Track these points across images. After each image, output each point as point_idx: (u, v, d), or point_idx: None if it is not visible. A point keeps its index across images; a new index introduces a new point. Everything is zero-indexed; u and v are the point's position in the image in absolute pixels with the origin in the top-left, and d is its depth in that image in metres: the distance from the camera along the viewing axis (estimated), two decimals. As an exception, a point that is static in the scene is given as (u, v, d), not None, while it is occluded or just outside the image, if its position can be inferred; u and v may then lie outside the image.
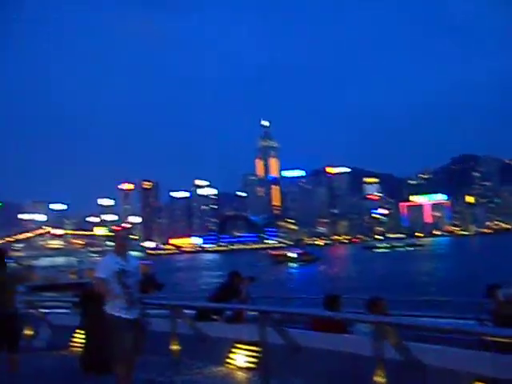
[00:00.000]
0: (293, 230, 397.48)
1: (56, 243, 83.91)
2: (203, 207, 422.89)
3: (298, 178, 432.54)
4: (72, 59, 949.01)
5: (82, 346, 9.50)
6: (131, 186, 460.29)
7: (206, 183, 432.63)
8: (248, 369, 8.73)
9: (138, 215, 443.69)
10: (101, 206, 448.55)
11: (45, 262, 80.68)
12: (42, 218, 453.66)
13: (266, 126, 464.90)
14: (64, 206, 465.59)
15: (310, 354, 7.77)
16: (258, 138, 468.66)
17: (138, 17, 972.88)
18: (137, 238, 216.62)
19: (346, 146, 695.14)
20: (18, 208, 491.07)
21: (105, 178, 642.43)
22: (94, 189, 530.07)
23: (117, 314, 6.98)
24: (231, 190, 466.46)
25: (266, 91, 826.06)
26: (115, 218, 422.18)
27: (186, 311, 10.24)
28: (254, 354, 8.38)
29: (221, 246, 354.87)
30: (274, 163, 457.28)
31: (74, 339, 11.32)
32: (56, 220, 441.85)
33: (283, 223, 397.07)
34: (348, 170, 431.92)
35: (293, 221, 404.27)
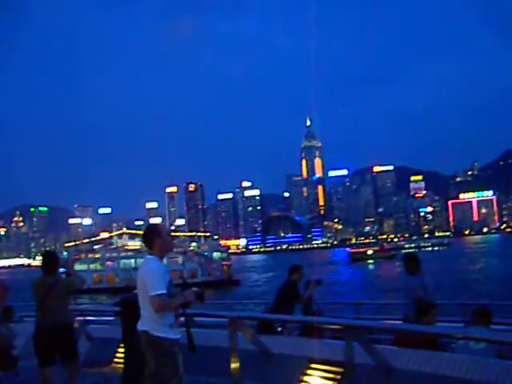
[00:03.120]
0: (339, 229, 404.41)
1: (135, 244, 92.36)
2: (249, 208, 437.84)
3: (342, 177, 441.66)
4: (116, 64, 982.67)
5: (123, 363, 7.92)
6: (176, 189, 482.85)
7: (251, 184, 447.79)
8: None
9: (183, 217, 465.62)
10: (147, 208, 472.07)
11: (124, 263, 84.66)
12: (90, 221, 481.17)
13: (309, 126, 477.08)
14: (109, 210, 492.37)
15: (402, 377, 6.45)
16: (303, 137, 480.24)
17: (184, 19, 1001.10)
18: (216, 237, 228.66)
19: (390, 145, 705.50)
20: (66, 212, 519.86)
21: (150, 181, 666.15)
22: (140, 192, 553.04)
23: (164, 336, 5.31)
24: (276, 191, 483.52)
25: (310, 91, 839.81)
26: (160, 220, 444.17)
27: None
28: (336, 376, 6.86)
29: (266, 246, 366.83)
30: (318, 163, 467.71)
31: (118, 354, 9.68)
32: (103, 224, 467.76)
33: (328, 223, 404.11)
34: (393, 168, 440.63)
35: (338, 220, 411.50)
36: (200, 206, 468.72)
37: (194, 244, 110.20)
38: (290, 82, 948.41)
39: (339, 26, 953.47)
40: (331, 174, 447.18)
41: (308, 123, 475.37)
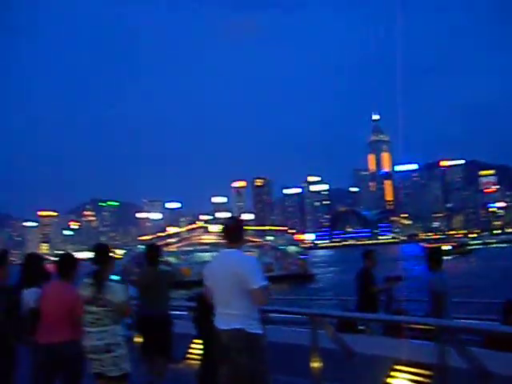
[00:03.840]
0: (406, 225, 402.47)
1: (210, 238, 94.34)
2: (316, 203, 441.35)
3: (410, 171, 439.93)
4: (179, 60, 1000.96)
5: (200, 360, 7.73)
6: (244, 184, 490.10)
7: (318, 179, 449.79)
8: None
9: (251, 212, 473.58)
10: (214, 203, 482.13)
11: (200, 257, 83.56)
12: (158, 216, 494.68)
13: (376, 120, 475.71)
14: (178, 205, 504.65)
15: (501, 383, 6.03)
16: (370, 132, 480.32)
17: (240, 16, 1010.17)
18: (293, 231, 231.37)
19: (460, 138, 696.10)
20: (135, 207, 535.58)
21: (218, 176, 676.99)
22: (208, 187, 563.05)
23: (260, 332, 5.27)
24: (343, 186, 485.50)
25: (375, 84, 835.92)
26: (228, 215, 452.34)
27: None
28: (424, 379, 6.57)
29: (334, 242, 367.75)
30: (385, 157, 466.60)
31: (192, 350, 9.73)
32: (171, 218, 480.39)
33: (396, 218, 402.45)
34: (462, 162, 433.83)
35: (406, 216, 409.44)
36: (267, 201, 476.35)
37: (269, 238, 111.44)
38: (357, 75, 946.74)
39: (404, 17, 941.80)
40: (399, 168, 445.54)
41: (375, 117, 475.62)
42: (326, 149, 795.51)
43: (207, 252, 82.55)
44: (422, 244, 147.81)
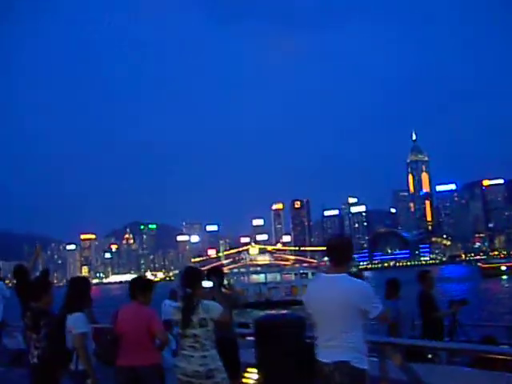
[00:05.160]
0: (447, 245, 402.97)
1: (264, 259, 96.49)
2: (355, 224, 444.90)
3: (450, 191, 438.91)
4: (218, 80, 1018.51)
5: None
6: (282, 206, 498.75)
7: (355, 200, 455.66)
8: None
9: (289, 234, 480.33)
10: (253, 226, 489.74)
11: (254, 278, 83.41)
12: (197, 239, 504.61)
13: (415, 140, 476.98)
14: (215, 227, 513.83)
15: None
16: (409, 152, 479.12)
17: (278, 33, 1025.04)
18: None
19: (500, 157, 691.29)
20: (174, 230, 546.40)
21: (256, 198, 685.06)
22: (246, 209, 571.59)
23: (367, 368, 4.88)
24: (382, 207, 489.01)
25: (414, 104, 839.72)
26: (266, 237, 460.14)
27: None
28: None
29: (373, 263, 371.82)
30: (425, 177, 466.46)
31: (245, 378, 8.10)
32: (210, 241, 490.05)
33: (437, 239, 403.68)
34: (504, 181, 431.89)
35: (447, 236, 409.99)
36: (306, 223, 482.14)
37: (326, 258, 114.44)
38: (395, 96, 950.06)
39: (444, 37, 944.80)
40: (439, 188, 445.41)
41: (414, 137, 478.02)
42: (364, 170, 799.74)
43: (261, 273, 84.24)
44: (479, 264, 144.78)
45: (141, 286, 6.57)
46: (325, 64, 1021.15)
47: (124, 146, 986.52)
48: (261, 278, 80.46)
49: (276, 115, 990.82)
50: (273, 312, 38.39)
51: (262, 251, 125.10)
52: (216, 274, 7.98)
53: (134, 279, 6.81)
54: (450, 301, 10.44)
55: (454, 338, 10.06)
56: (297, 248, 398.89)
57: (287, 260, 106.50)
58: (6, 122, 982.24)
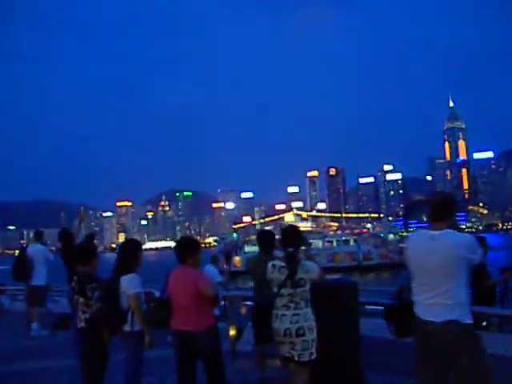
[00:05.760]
0: (484, 214, 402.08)
1: (305, 225, 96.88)
2: (390, 192, 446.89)
3: (488, 159, 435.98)
4: (250, 49, 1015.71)
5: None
6: (317, 173, 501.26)
7: (391, 168, 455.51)
8: None
9: (324, 201, 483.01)
10: (288, 193, 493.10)
11: None
12: (232, 205, 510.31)
13: (452, 107, 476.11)
14: (251, 194, 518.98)
15: None
16: (445, 119, 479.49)
17: (313, 10, 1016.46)
18: (391, 218, 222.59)
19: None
20: (209, 197, 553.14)
21: (292, 166, 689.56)
22: (281, 177, 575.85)
23: (473, 323, 4.65)
24: (418, 174, 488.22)
25: (451, 71, 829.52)
26: (301, 204, 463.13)
27: None
28: None
29: (408, 231, 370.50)
30: (462, 145, 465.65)
31: None
32: (245, 208, 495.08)
33: (473, 207, 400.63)
34: None
35: (483, 205, 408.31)
36: (341, 190, 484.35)
37: (368, 225, 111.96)
38: (431, 63, 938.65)
39: (481, 4, 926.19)
40: (476, 156, 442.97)
41: (451, 104, 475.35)
42: (400, 137, 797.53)
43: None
44: None
45: (189, 248, 6.46)
46: (359, 29, 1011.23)
47: (161, 114, 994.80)
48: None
49: (310, 83, 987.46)
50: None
51: (302, 218, 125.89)
52: (267, 238, 8.13)
53: (181, 241, 6.69)
54: (502, 268, 10.35)
55: (506, 305, 10.08)
56: (333, 215, 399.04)
57: (329, 226, 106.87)
58: (44, 96, 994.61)
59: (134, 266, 6.70)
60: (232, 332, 9.79)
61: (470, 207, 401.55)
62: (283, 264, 6.20)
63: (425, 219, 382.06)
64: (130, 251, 6.82)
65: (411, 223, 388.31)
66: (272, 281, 6.32)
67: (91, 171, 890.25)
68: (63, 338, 11.41)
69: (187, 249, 6.43)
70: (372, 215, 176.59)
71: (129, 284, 6.49)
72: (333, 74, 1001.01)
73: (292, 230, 6.67)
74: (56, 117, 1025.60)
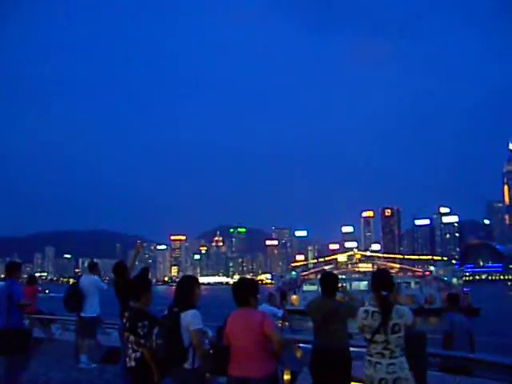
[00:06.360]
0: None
1: (366, 267, 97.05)
2: (446, 235, 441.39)
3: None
4: (300, 87, 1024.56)
5: None
6: (372, 214, 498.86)
7: (448, 210, 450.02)
8: None
9: (379, 242, 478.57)
10: (342, 232, 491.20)
11: (355, 285, 78.94)
12: (286, 243, 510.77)
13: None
14: (305, 233, 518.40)
15: None
16: (505, 162, 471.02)
17: (374, 43, 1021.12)
18: (454, 261, 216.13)
19: None
20: (263, 234, 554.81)
21: (346, 205, 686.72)
22: (336, 216, 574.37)
23: None
24: (475, 218, 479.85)
25: (510, 112, 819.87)
26: (355, 244, 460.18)
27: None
28: None
29: (464, 275, 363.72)
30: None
31: None
32: (299, 246, 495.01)
33: None
34: None
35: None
36: (396, 231, 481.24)
37: (432, 268, 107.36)
38: (492, 104, 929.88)
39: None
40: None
41: (511, 146, 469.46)
42: (457, 179, 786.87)
43: (363, 281, 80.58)
44: None
45: (251, 289, 6.17)
46: (418, 71, 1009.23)
47: (219, 153, 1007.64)
48: (362, 285, 77.22)
49: (368, 122, 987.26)
50: None
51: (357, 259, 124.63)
52: (330, 280, 7.72)
53: (240, 282, 6.36)
54: None
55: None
56: (395, 256, 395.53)
57: (392, 268, 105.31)
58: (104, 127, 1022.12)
59: (194, 301, 6.42)
60: (286, 377, 9.21)
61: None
62: (376, 309, 5.91)
63: (481, 263, 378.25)
64: (188, 287, 6.56)
65: (468, 267, 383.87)
66: (364, 327, 6.02)
67: (147, 203, 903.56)
68: (112, 374, 11.26)
69: (249, 289, 6.14)
70: (435, 257, 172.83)
71: (191, 320, 6.18)
72: (389, 110, 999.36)
73: (385, 273, 6.47)
74: (112, 147, 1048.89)
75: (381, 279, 6.14)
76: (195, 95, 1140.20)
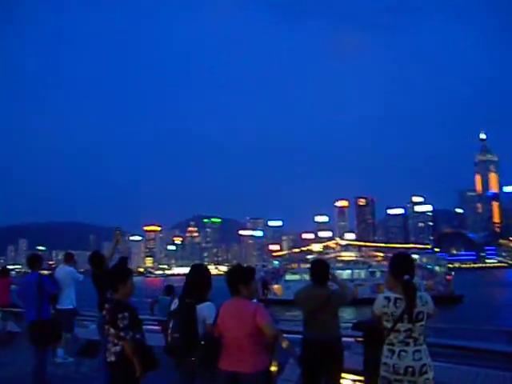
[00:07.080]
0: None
1: (349, 255, 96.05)
2: (420, 224, 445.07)
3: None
4: (275, 79, 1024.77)
5: None
6: (346, 203, 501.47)
7: (421, 199, 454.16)
8: None
9: (353, 232, 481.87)
10: (316, 222, 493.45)
11: (338, 274, 65.16)
12: (260, 233, 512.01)
13: (483, 140, 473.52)
14: (280, 223, 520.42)
15: None
16: (476, 152, 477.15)
17: (350, 35, 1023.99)
18: (437, 249, 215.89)
19: None
20: (237, 224, 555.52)
21: (320, 195, 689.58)
22: (310, 206, 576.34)
23: None
24: (448, 207, 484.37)
25: (482, 104, 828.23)
26: (330, 234, 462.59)
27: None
28: None
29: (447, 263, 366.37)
30: (493, 178, 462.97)
31: None
32: (273, 236, 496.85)
33: (504, 241, 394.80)
34: None
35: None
36: (370, 221, 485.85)
37: (415, 256, 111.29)
38: (464, 94, 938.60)
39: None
40: (507, 189, 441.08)
41: (483, 136, 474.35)
42: (430, 169, 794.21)
43: (345, 270, 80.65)
44: None
45: (244, 277, 5.86)
46: (392, 64, 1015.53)
47: (192, 143, 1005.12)
48: (345, 274, 75.92)
49: (341, 112, 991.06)
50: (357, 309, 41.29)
51: (346, 246, 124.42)
52: (322, 269, 7.32)
53: (233, 269, 6.04)
54: None
55: None
56: (379, 244, 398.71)
57: (374, 256, 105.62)
58: (74, 118, 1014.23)
59: (208, 293, 6.27)
60: (273, 368, 8.33)
61: (501, 241, 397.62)
62: (399, 295, 5.41)
63: (454, 252, 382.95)
64: (204, 278, 6.35)
65: (440, 255, 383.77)
66: (384, 315, 5.47)
67: (121, 194, 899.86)
68: (89, 368, 11.03)
69: (241, 278, 5.84)
70: (419, 246, 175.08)
71: (208, 313, 5.96)
72: (364, 102, 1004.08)
73: (408, 258, 5.89)
74: (84, 140, 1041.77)
75: (403, 263, 5.66)
76: (167, 81, 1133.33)
